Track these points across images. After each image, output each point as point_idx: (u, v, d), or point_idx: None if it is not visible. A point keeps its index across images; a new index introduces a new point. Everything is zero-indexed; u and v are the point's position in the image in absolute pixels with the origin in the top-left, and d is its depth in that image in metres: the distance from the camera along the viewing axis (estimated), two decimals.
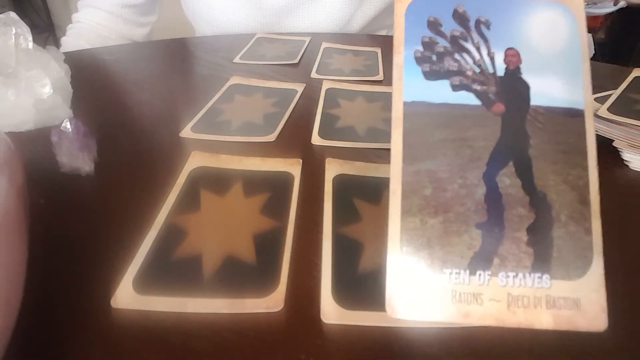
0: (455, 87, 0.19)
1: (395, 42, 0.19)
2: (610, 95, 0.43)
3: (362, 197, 0.33)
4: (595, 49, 0.52)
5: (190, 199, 0.32)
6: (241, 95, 0.50)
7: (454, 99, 0.19)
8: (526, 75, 0.19)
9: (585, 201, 0.18)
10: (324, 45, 0.66)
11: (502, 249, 0.17)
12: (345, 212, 0.31)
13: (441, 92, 0.19)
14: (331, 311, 0.24)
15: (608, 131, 0.40)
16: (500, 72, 0.19)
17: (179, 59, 0.64)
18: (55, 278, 0.26)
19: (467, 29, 0.19)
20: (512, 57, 0.19)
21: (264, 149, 0.40)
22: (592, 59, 0.51)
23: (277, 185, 0.34)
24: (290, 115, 0.45)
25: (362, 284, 0.26)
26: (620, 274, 0.28)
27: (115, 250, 0.27)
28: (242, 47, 0.65)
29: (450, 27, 0.19)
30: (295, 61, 0.60)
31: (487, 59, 0.19)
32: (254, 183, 0.34)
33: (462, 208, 0.18)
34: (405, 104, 0.19)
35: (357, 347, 0.22)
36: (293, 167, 0.36)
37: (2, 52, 0.40)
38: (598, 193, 0.18)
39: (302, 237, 0.29)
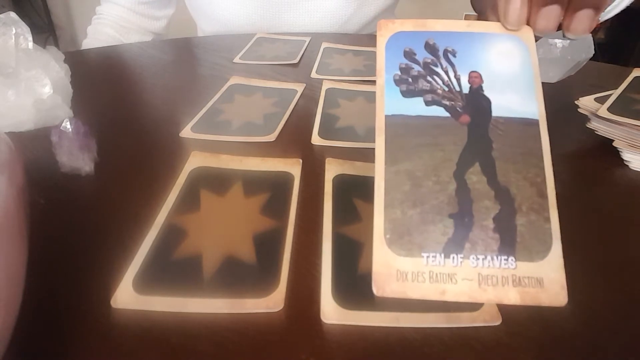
0: (428, 103, 0.23)
1: (378, 68, 0.23)
2: (610, 95, 0.43)
3: (362, 197, 0.33)
4: (595, 49, 0.52)
5: (190, 199, 0.32)
6: (241, 95, 0.50)
7: (427, 112, 0.22)
8: (487, 92, 0.23)
9: (543, 195, 0.20)
10: (324, 45, 0.66)
11: (472, 235, 0.20)
12: (345, 212, 0.31)
13: (416, 107, 0.22)
14: (331, 311, 0.24)
15: (608, 131, 0.40)
16: (466, 90, 0.23)
17: (179, 59, 0.65)
18: (55, 278, 0.26)
19: (437, 57, 0.23)
20: (475, 78, 0.23)
21: (264, 149, 0.40)
22: (592, 59, 0.52)
23: (277, 185, 0.34)
24: (290, 115, 0.45)
25: (362, 284, 0.26)
26: (622, 273, 0.28)
27: (115, 250, 0.27)
28: (242, 47, 0.65)
29: (422, 55, 0.23)
30: (295, 61, 0.60)
31: (454, 80, 0.23)
32: (254, 183, 0.34)
33: (437, 201, 0.21)
34: (387, 116, 0.22)
35: (357, 347, 0.22)
36: (293, 167, 0.36)
37: (2, 52, 0.40)
38: (554, 188, 0.21)
39: (302, 237, 0.29)
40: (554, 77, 0.53)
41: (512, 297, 0.19)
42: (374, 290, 0.20)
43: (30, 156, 0.37)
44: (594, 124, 0.42)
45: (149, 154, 0.39)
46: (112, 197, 0.33)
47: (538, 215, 0.20)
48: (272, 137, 0.41)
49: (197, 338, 0.23)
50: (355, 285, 0.26)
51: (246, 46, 0.65)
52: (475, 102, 0.22)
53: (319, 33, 0.72)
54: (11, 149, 0.21)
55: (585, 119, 0.42)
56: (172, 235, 0.29)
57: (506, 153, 0.21)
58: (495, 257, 0.19)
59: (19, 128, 0.40)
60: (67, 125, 0.35)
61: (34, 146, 0.38)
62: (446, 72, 0.23)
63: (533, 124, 0.22)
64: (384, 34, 0.24)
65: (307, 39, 0.68)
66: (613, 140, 0.40)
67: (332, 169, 0.36)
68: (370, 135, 0.42)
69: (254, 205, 0.32)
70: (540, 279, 0.19)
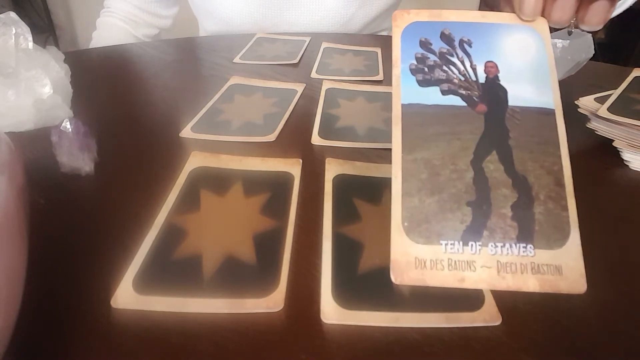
0: (444, 92, 0.23)
1: (394, 58, 0.23)
2: (610, 95, 0.43)
3: (362, 197, 0.33)
4: (595, 49, 0.52)
5: (190, 199, 0.32)
6: (241, 95, 0.50)
7: (443, 101, 0.22)
8: (504, 82, 0.23)
9: (560, 183, 0.21)
10: (324, 45, 0.66)
11: (490, 223, 0.20)
12: (345, 212, 0.31)
13: (433, 96, 0.23)
14: (331, 311, 0.24)
15: (608, 131, 0.40)
16: (482, 79, 0.23)
17: (179, 59, 0.65)
18: (55, 278, 0.26)
19: (453, 47, 0.23)
20: (491, 68, 0.23)
21: (264, 149, 0.40)
22: (592, 59, 0.52)
23: (277, 185, 0.34)
24: (290, 115, 0.45)
25: (362, 284, 0.26)
26: (622, 273, 0.28)
27: (115, 250, 0.27)
28: (242, 47, 0.65)
29: (438, 45, 0.23)
30: (295, 61, 0.60)
31: (470, 70, 0.23)
32: (254, 183, 0.34)
33: (454, 189, 0.21)
34: (403, 105, 0.22)
35: (357, 347, 0.22)
36: (293, 167, 0.36)
37: (2, 52, 0.40)
38: (571, 177, 0.21)
39: (302, 237, 0.29)
40: None
41: (532, 284, 0.19)
42: (393, 278, 0.19)
43: (30, 156, 0.37)
44: (594, 124, 0.42)
45: (149, 154, 0.39)
46: (112, 197, 0.33)
47: (555, 203, 0.20)
48: (272, 137, 0.41)
49: (197, 338, 0.23)
50: (355, 285, 0.26)
51: (246, 46, 0.65)
52: (491, 92, 0.23)
53: (319, 33, 0.72)
54: (11, 149, 0.21)
55: (585, 119, 0.42)
56: (172, 235, 0.29)
57: (523, 142, 0.21)
58: (513, 245, 0.20)
59: (19, 128, 0.40)
60: (67, 125, 0.35)
61: (34, 146, 0.38)
62: (462, 62, 0.23)
63: (549, 113, 0.22)
64: (400, 24, 0.24)
65: (307, 39, 0.68)
66: (613, 140, 0.40)
67: (332, 169, 0.36)
68: (371, 135, 0.42)
69: (254, 205, 0.32)
70: (559, 266, 0.19)
